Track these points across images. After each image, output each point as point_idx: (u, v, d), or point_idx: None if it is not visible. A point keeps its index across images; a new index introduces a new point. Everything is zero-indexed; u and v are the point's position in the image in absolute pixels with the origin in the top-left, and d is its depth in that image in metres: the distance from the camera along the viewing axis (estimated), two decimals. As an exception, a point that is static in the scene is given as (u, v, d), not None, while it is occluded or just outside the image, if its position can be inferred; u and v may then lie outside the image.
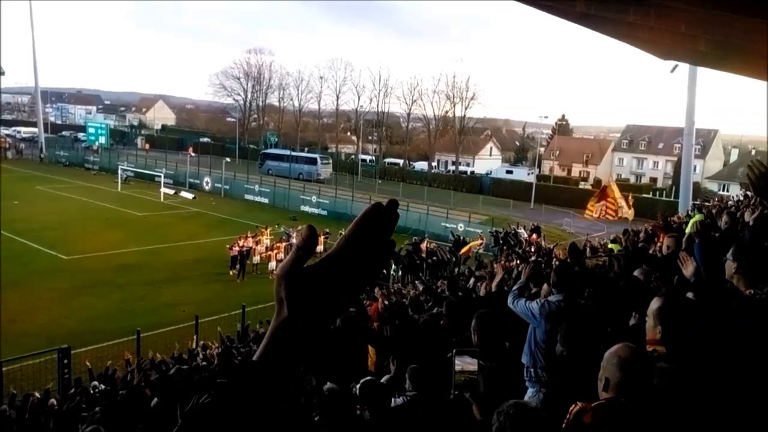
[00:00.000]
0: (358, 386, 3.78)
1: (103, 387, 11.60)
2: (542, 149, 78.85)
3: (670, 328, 2.71)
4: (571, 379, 3.54)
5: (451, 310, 5.47)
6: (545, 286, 4.79)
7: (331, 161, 62.85)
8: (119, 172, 48.27)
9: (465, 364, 3.24)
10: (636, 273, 4.64)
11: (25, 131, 79.43)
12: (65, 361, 13.65)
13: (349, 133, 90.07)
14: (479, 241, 30.14)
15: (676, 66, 18.76)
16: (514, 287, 4.66)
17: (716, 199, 22.60)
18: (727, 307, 3.19)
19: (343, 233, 0.83)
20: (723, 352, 2.69)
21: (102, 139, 63.94)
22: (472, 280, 8.43)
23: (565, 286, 4.30)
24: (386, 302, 8.63)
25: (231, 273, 25.06)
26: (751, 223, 5.73)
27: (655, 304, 2.80)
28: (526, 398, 4.17)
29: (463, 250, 27.80)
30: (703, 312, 3.04)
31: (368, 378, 3.97)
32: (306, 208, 42.43)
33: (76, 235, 29.64)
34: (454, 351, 3.37)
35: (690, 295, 3.50)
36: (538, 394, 4.23)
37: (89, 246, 27.64)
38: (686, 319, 2.77)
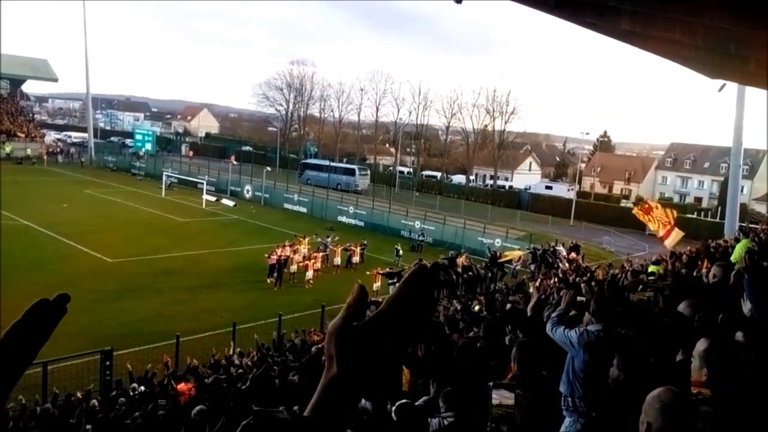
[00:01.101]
0: (393, 409, 3.79)
1: (142, 389, 11.92)
2: (583, 165, 77.60)
3: (716, 371, 2.64)
4: (618, 405, 3.47)
5: (489, 332, 5.43)
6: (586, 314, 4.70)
7: (369, 172, 63.06)
8: (164, 178, 49.33)
9: (502, 398, 3.22)
10: (681, 307, 4.52)
11: (75, 136, 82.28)
12: (107, 363, 14.03)
13: (387, 145, 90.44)
14: (519, 253, 29.72)
15: (724, 85, 18.16)
16: (553, 314, 4.56)
17: (764, 222, 21.79)
18: None
19: (390, 293, 0.87)
20: None
21: (148, 146, 65.57)
22: (508, 306, 8.30)
23: (605, 316, 4.22)
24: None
25: (268, 281, 25.35)
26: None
27: (701, 345, 2.74)
28: (563, 428, 4.10)
29: (507, 256, 27.75)
30: (751, 352, 2.95)
31: (404, 401, 3.98)
32: (343, 219, 42.69)
33: (120, 239, 30.48)
34: (491, 384, 3.35)
35: (740, 335, 3.40)
36: (576, 423, 4.16)
37: (133, 250, 28.40)
38: (733, 361, 2.69)
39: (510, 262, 28.70)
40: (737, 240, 13.67)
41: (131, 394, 11.41)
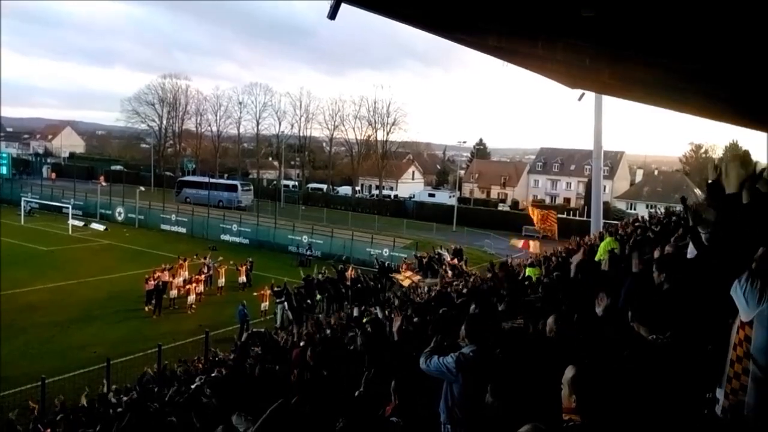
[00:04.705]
0: None
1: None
2: (462, 172, 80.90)
3: (584, 398, 2.71)
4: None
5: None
6: (550, 320, 4.66)
7: (252, 188, 61.70)
8: (22, 203, 45.44)
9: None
10: (549, 322, 4.62)
11: None
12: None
13: (270, 159, 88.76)
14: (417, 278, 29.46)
15: (583, 94, 19.66)
16: (426, 350, 4.39)
17: (625, 221, 23.73)
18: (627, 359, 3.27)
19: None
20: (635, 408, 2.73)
21: (3, 169, 59.95)
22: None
23: (478, 338, 4.22)
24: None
25: (146, 309, 23.89)
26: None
27: (569, 372, 2.80)
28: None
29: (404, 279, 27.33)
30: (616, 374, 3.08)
31: None
32: (226, 237, 41.29)
33: (-28, 275, 27.29)
34: None
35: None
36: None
37: (-12, 285, 25.55)
38: (602, 387, 2.80)
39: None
40: (602, 238, 14.70)
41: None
